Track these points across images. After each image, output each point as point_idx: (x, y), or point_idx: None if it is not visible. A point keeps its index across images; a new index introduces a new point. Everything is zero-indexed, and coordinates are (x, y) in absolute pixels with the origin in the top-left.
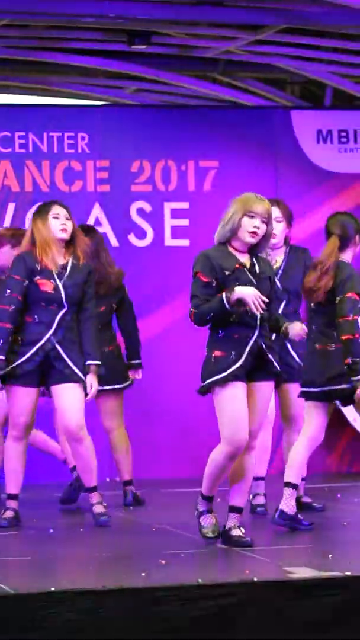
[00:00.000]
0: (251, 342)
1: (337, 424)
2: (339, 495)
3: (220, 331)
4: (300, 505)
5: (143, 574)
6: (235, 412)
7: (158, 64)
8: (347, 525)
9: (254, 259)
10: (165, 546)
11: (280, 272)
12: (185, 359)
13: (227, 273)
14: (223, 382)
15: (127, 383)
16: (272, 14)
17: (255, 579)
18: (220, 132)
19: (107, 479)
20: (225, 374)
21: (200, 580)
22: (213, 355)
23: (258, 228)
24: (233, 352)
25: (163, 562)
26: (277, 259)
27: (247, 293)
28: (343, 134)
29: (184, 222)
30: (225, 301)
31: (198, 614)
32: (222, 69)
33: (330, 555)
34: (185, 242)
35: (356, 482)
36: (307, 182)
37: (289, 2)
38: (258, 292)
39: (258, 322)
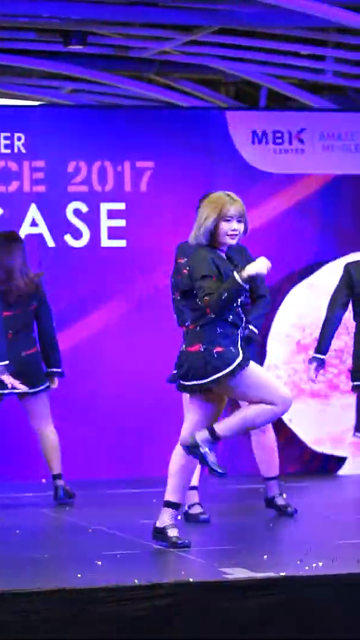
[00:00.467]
0: (239, 336)
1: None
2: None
3: (218, 329)
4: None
5: (79, 575)
6: (268, 376)
7: (94, 64)
8: (282, 525)
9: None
10: (101, 547)
11: None
12: (122, 359)
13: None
14: (242, 366)
15: (48, 384)
16: (206, 14)
17: (191, 580)
18: (156, 133)
19: (43, 480)
20: (239, 359)
21: (136, 581)
22: (215, 351)
23: (236, 230)
24: (232, 347)
25: (99, 563)
26: None
27: (260, 266)
28: (278, 134)
29: (121, 222)
30: (238, 278)
31: (134, 614)
32: (158, 69)
33: (265, 556)
34: (121, 243)
35: (290, 483)
36: (242, 182)
37: (222, 3)
38: (267, 260)
39: (244, 319)
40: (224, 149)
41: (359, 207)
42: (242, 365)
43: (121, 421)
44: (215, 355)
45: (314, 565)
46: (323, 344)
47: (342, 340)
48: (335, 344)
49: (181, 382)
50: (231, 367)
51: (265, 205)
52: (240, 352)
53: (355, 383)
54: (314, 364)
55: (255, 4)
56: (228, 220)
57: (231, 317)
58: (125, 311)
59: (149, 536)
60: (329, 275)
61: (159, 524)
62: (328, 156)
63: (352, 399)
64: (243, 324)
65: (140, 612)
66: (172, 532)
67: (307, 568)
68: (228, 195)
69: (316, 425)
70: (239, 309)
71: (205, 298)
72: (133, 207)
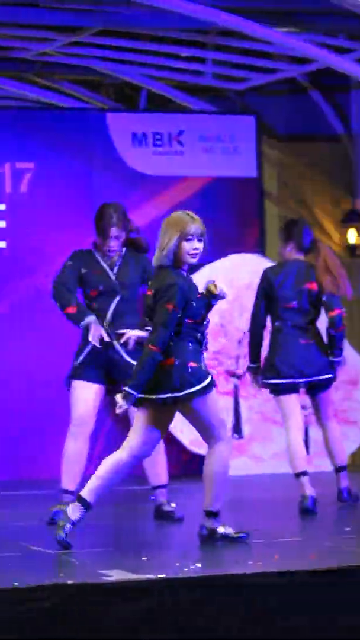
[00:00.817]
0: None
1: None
2: (152, 498)
3: (190, 344)
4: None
5: None
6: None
7: None
8: (162, 528)
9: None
10: None
11: (116, 267)
12: (4, 361)
13: (194, 304)
14: (210, 388)
15: None
16: (87, 16)
17: (69, 582)
18: (36, 134)
19: None
20: (209, 379)
21: (16, 584)
22: (189, 365)
23: (197, 249)
24: (202, 365)
25: None
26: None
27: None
28: (158, 137)
29: (1, 223)
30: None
31: (13, 617)
32: (38, 70)
33: (144, 558)
34: (2, 244)
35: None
36: (122, 184)
37: (104, 4)
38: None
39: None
40: (104, 151)
41: (238, 209)
42: (212, 385)
43: (5, 422)
44: (190, 370)
45: (191, 567)
46: (254, 354)
47: (220, 342)
48: (214, 346)
49: (141, 395)
50: (203, 385)
51: (144, 207)
52: (208, 372)
53: (270, 381)
54: (253, 373)
55: (136, 6)
56: (189, 240)
57: (199, 335)
58: (7, 312)
59: (29, 538)
60: (209, 276)
61: None
62: (207, 158)
63: (230, 400)
64: (205, 344)
65: (20, 614)
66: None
67: (186, 570)
68: (188, 215)
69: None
70: (205, 327)
71: (149, 345)
72: (13, 208)
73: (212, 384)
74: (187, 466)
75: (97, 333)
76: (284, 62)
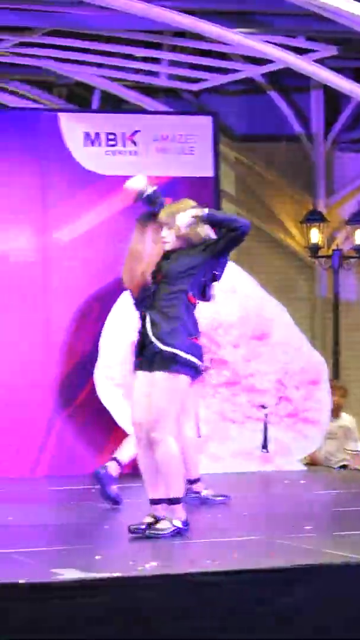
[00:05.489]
0: None
1: (106, 425)
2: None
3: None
4: None
5: None
6: None
7: None
8: (117, 526)
9: None
10: None
11: None
12: None
13: None
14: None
15: None
16: (39, 16)
17: (20, 581)
18: None
19: None
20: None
21: None
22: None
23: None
24: None
25: None
26: None
27: None
28: (111, 136)
29: None
30: None
31: None
32: None
33: (97, 557)
34: None
35: (122, 483)
36: (75, 184)
37: (56, 4)
38: None
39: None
40: (56, 151)
41: None
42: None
43: None
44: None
45: (147, 565)
46: None
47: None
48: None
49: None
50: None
51: (97, 208)
52: None
53: None
54: None
55: (89, 7)
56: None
57: None
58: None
59: None
60: None
61: None
62: (162, 158)
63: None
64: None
65: None
66: None
67: (139, 569)
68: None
69: None
70: None
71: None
72: None
73: None
74: None
75: None
76: (241, 62)
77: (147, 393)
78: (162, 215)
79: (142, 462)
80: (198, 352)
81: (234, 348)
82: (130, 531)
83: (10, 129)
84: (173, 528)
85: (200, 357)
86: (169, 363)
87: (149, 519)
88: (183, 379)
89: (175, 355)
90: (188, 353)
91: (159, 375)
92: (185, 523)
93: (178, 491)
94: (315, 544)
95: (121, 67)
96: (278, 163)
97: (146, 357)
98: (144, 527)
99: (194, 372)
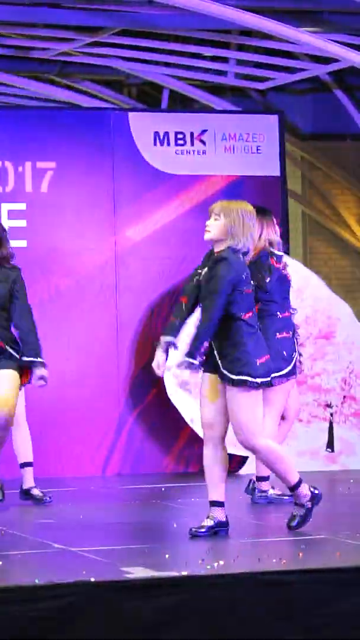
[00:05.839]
0: None
1: (174, 424)
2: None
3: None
4: None
5: None
6: None
7: None
8: (184, 525)
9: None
10: (1, 547)
11: None
12: None
13: None
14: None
15: None
16: (109, 16)
17: (92, 579)
18: (57, 134)
19: None
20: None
21: (37, 580)
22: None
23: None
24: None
25: (0, 562)
26: None
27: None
28: (180, 136)
29: (21, 223)
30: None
31: (36, 614)
32: (59, 70)
33: (166, 555)
34: (22, 243)
35: (190, 482)
36: (144, 183)
37: (125, 4)
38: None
39: None
40: (125, 150)
41: None
42: None
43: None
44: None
45: (215, 564)
46: None
47: None
48: None
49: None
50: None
51: (167, 207)
52: None
53: None
54: None
55: (158, 6)
56: None
57: None
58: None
59: (49, 536)
60: None
61: None
62: (229, 157)
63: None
64: None
65: (42, 612)
66: None
67: (208, 567)
68: None
69: None
70: None
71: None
72: (34, 207)
73: None
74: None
75: None
76: (307, 62)
77: (215, 394)
78: (216, 206)
79: (208, 464)
80: (267, 369)
81: (301, 347)
82: (191, 534)
83: (83, 128)
84: None
85: (269, 373)
86: (240, 384)
87: (209, 522)
88: (254, 392)
89: (247, 381)
90: (256, 377)
91: (233, 392)
92: (224, 523)
93: (294, 478)
94: None
95: (189, 67)
96: (343, 162)
97: (211, 364)
98: (204, 530)
99: (267, 385)
